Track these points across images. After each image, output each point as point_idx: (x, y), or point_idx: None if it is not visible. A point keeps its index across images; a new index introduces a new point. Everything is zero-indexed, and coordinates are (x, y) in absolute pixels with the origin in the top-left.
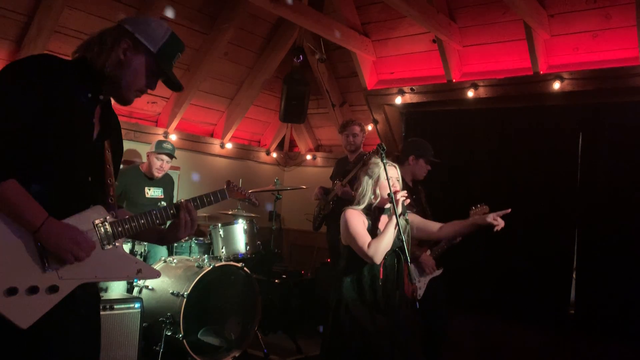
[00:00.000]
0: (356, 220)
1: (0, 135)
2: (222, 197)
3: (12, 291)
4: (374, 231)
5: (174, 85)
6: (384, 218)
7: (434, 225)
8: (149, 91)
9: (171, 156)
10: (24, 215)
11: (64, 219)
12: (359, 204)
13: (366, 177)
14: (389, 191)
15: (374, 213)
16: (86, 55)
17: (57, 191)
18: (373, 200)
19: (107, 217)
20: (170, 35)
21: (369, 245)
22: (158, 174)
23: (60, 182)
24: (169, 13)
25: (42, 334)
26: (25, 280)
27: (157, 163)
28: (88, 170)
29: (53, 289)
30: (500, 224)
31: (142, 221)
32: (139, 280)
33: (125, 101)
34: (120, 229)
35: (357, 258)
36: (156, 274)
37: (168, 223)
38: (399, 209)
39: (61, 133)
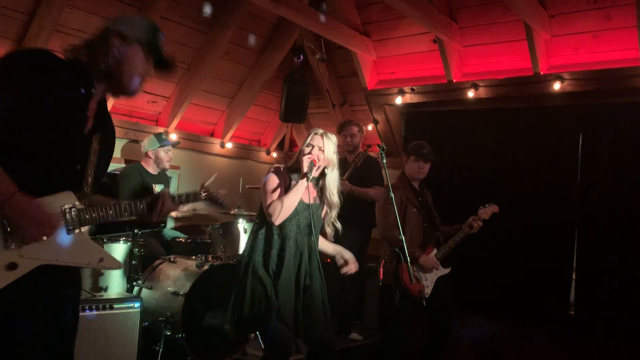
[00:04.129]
0: (272, 179)
1: None
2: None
3: None
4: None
5: (169, 63)
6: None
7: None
8: (150, 90)
9: (174, 146)
10: None
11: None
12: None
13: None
14: (306, 158)
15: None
16: (78, 57)
17: (43, 176)
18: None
19: (76, 203)
20: (147, 22)
21: (269, 204)
22: (169, 166)
23: (47, 167)
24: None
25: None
26: None
27: (165, 156)
28: (78, 159)
29: (12, 266)
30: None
31: (111, 212)
32: (100, 268)
33: (130, 92)
34: (87, 216)
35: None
36: (117, 265)
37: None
38: (304, 169)
39: (52, 122)
